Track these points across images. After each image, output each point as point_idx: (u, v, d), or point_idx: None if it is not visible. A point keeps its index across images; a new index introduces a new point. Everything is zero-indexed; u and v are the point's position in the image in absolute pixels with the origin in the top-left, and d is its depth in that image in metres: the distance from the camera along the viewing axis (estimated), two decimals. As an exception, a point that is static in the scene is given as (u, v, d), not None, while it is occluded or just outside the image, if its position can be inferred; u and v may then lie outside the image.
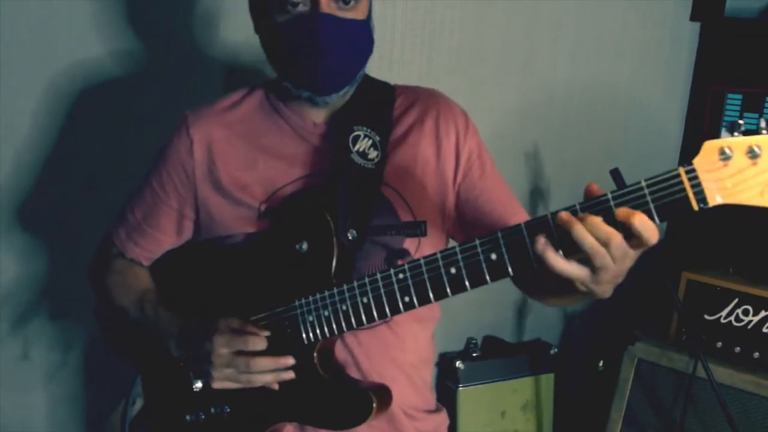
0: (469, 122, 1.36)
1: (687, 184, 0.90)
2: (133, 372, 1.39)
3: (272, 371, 1.19)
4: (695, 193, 0.90)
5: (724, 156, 0.90)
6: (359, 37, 1.23)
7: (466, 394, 2.18)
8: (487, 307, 2.33)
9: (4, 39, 1.64)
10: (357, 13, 1.21)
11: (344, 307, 1.15)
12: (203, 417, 1.29)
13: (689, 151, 2.48)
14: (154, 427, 1.36)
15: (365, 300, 1.14)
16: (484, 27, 2.19)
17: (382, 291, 1.12)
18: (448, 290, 1.07)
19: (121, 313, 1.35)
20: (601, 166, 1.98)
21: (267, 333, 1.19)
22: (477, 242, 1.03)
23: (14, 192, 1.74)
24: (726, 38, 2.38)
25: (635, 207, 0.93)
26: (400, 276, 1.10)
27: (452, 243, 1.38)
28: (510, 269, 1.02)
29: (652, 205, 0.92)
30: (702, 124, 2.43)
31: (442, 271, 1.07)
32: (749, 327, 2.01)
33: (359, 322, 1.15)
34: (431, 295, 1.09)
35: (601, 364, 2.24)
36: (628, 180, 1.90)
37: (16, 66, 1.66)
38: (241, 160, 1.29)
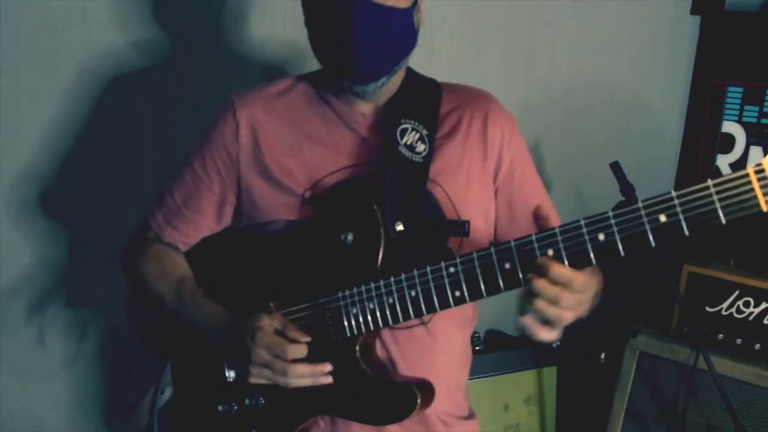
0: (515, 129, 1.34)
1: (756, 185, 0.89)
2: (163, 360, 1.37)
3: (309, 376, 1.17)
4: (765, 194, 0.89)
5: None
6: (398, 27, 1.19)
7: (468, 387, 2.19)
8: (489, 300, 2.32)
9: (29, 28, 1.65)
10: (397, 1, 1.16)
11: (390, 300, 1.13)
12: (236, 408, 1.27)
13: (690, 143, 2.49)
14: (184, 416, 1.34)
15: (413, 293, 1.12)
16: (484, 24, 2.20)
17: (431, 284, 1.10)
18: (502, 285, 1.06)
19: (156, 301, 1.32)
20: (602, 160, 1.99)
21: (308, 339, 1.17)
22: (533, 237, 1.02)
23: (35, 178, 1.75)
24: (726, 32, 2.38)
25: (702, 206, 0.91)
26: (451, 270, 1.09)
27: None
28: (567, 262, 1.02)
29: (718, 205, 0.91)
30: (703, 116, 2.43)
31: (496, 266, 1.05)
32: (750, 319, 2.02)
33: (406, 316, 1.13)
34: (483, 289, 1.07)
35: (603, 356, 2.24)
36: (628, 173, 1.91)
37: (44, 53, 1.68)
38: (287, 146, 1.27)
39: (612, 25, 2.37)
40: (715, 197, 0.91)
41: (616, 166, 1.91)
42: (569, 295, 1.03)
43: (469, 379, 2.20)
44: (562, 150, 2.40)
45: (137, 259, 1.36)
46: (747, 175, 0.90)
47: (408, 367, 1.27)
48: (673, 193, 0.93)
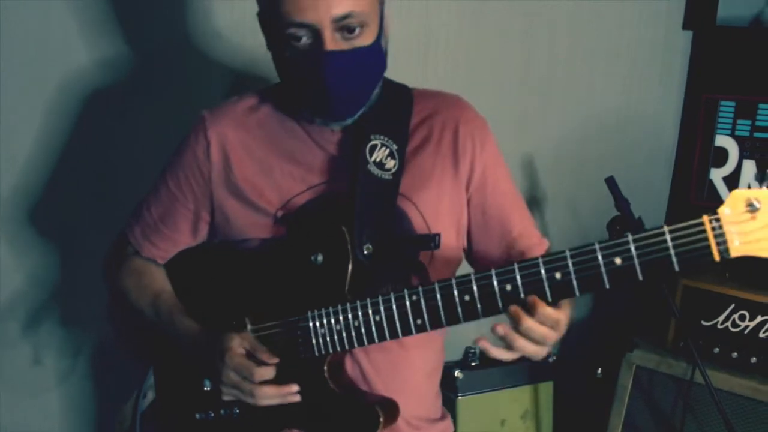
0: (487, 135, 1.33)
1: (710, 234, 0.89)
2: (145, 364, 1.39)
3: (277, 397, 1.19)
4: (718, 243, 0.89)
5: (752, 208, 0.88)
6: (368, 63, 1.20)
7: (465, 403, 2.19)
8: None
9: (5, 46, 1.66)
10: (364, 39, 1.17)
11: (356, 323, 1.15)
12: (213, 416, 1.29)
13: (684, 157, 2.50)
14: (164, 422, 1.36)
15: (377, 318, 1.13)
16: (479, 37, 2.22)
17: (394, 311, 1.12)
18: (461, 316, 1.08)
19: (136, 314, 1.35)
20: (597, 174, 2.00)
21: (276, 360, 1.19)
22: (493, 272, 1.04)
23: (25, 195, 1.76)
24: (718, 46, 2.40)
25: (656, 252, 0.93)
26: (414, 298, 1.10)
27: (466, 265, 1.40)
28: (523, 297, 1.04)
29: (672, 251, 0.92)
30: (696, 130, 2.44)
31: (456, 297, 1.07)
32: (746, 332, 2.02)
33: (370, 340, 1.15)
34: (444, 319, 1.09)
35: (599, 371, 2.24)
36: (623, 187, 1.92)
37: (20, 73, 1.69)
38: (257, 165, 1.28)
39: (606, 39, 2.39)
40: (669, 243, 0.92)
41: (611, 181, 1.93)
42: (554, 335, 1.07)
43: (466, 395, 2.22)
44: (557, 164, 2.41)
45: (118, 272, 1.39)
46: (702, 223, 0.90)
47: (380, 380, 1.28)
48: (630, 237, 0.95)
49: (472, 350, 2.26)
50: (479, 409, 2.21)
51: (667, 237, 0.92)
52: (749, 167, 2.35)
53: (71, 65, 1.73)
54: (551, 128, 2.39)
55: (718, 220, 0.89)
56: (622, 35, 2.41)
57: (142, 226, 1.37)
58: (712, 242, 0.89)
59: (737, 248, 0.89)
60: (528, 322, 1.03)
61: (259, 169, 1.28)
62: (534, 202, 2.38)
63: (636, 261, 0.94)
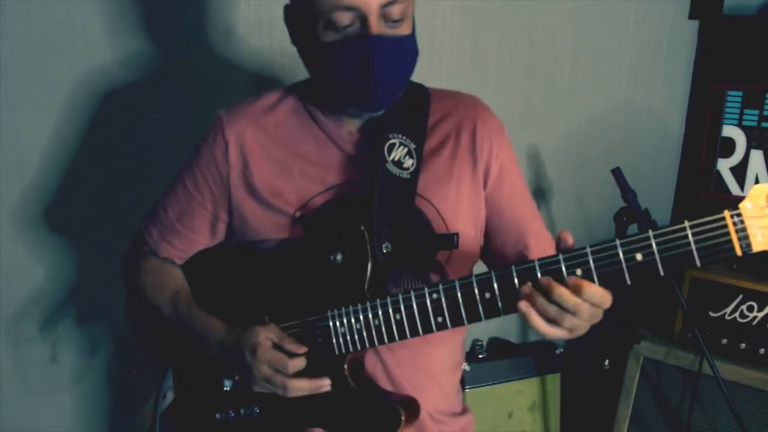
0: (503, 137, 1.33)
1: (732, 229, 0.89)
2: (165, 365, 1.39)
3: (308, 391, 1.19)
4: (740, 238, 0.89)
5: None
6: (407, 53, 1.21)
7: (472, 395, 2.19)
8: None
9: (27, 44, 1.67)
10: (404, 29, 1.18)
11: (376, 322, 1.15)
12: (233, 416, 1.29)
13: (691, 148, 2.49)
14: (183, 422, 1.36)
15: (398, 317, 1.14)
16: (485, 31, 2.21)
17: (415, 309, 1.12)
18: (482, 314, 1.07)
19: (154, 312, 1.34)
20: (603, 165, 2.00)
21: (305, 349, 1.19)
22: (513, 269, 1.04)
23: (43, 194, 1.77)
24: (725, 36, 2.39)
25: (678, 248, 0.93)
26: (434, 296, 1.10)
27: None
28: None
29: (694, 247, 0.92)
30: (703, 121, 2.43)
31: (477, 295, 1.07)
32: (754, 323, 2.01)
33: (391, 338, 1.15)
34: (464, 317, 1.09)
35: (606, 363, 2.24)
36: (630, 179, 1.92)
37: (37, 72, 1.70)
38: (276, 166, 1.28)
39: (611, 30, 2.38)
40: (691, 239, 0.92)
41: (617, 172, 1.92)
42: (591, 312, 1.02)
43: (473, 388, 2.22)
44: (564, 156, 2.40)
45: (135, 272, 1.39)
46: (723, 218, 0.90)
47: (404, 374, 1.28)
48: (651, 233, 0.94)
49: (479, 342, 2.26)
50: (487, 401, 2.21)
51: (689, 232, 0.92)
52: (757, 157, 2.34)
53: (87, 65, 1.73)
54: (557, 120, 2.38)
55: (739, 215, 0.89)
56: (627, 26, 2.40)
57: (159, 226, 1.37)
58: (734, 237, 0.89)
59: (760, 243, 0.89)
60: (560, 289, 0.99)
61: (278, 169, 1.27)
62: (540, 194, 2.37)
63: (657, 257, 0.94)
